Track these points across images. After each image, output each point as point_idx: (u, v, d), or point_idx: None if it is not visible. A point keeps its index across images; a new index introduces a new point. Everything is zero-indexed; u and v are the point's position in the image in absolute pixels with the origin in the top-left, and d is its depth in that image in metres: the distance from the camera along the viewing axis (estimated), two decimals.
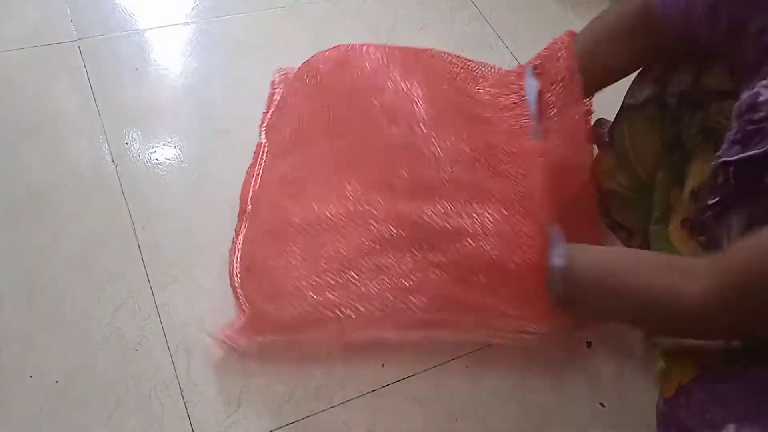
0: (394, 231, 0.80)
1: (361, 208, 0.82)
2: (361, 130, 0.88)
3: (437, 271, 0.76)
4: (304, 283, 0.76)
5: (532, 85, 0.88)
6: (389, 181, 0.83)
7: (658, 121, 0.80)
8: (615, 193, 0.89)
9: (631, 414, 0.80)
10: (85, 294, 0.81)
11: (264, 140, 0.94)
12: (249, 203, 0.88)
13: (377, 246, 0.79)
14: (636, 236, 0.91)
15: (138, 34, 1.09)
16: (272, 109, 0.98)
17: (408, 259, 0.78)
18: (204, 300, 0.82)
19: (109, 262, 0.84)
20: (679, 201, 0.76)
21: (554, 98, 0.86)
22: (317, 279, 0.77)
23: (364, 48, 0.93)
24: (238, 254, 0.84)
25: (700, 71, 0.75)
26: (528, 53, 1.16)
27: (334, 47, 0.95)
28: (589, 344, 0.83)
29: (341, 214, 0.81)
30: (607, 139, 0.88)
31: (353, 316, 0.76)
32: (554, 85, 0.86)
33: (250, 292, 0.79)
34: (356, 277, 0.77)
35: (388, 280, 0.77)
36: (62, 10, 1.09)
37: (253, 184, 0.90)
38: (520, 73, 0.90)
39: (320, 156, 0.88)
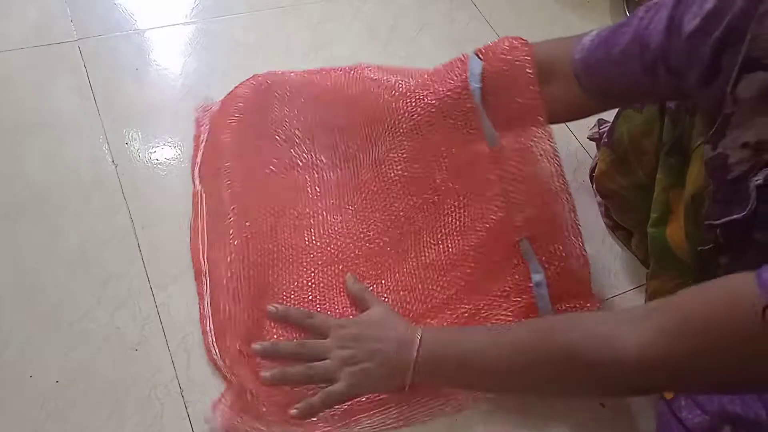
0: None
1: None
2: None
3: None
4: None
5: (476, 66, 0.81)
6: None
7: (657, 123, 0.80)
8: (614, 193, 0.89)
9: (631, 414, 0.80)
10: (85, 294, 0.81)
11: (199, 187, 0.91)
12: (204, 262, 0.84)
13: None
14: (635, 237, 0.91)
15: (138, 34, 1.09)
16: (201, 151, 0.94)
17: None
18: None
19: (109, 262, 0.83)
20: (678, 203, 0.76)
21: (503, 80, 0.81)
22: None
23: (284, 75, 0.96)
24: (209, 323, 0.79)
25: None
26: None
27: (251, 77, 0.97)
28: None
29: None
30: (606, 140, 0.88)
31: None
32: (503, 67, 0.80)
33: (245, 379, 0.74)
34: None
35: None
36: (62, 10, 1.09)
37: (201, 240, 0.86)
38: (463, 60, 0.85)
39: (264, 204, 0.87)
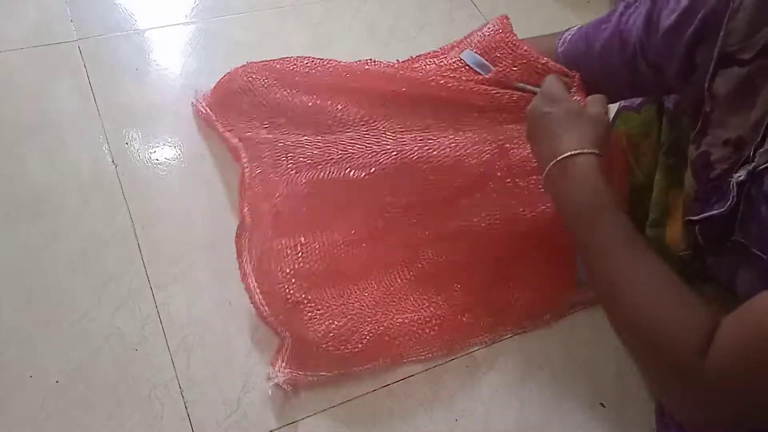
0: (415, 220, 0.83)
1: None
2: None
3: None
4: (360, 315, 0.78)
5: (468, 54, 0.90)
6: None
7: (655, 125, 0.80)
8: None
9: (631, 414, 0.80)
10: (85, 294, 0.81)
11: (237, 141, 0.92)
12: (248, 215, 0.85)
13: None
14: None
15: (138, 34, 1.09)
16: (219, 122, 0.96)
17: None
18: (204, 300, 0.82)
19: (109, 262, 0.83)
20: (677, 204, 0.76)
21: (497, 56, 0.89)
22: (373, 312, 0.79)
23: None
24: (252, 281, 0.80)
25: None
26: None
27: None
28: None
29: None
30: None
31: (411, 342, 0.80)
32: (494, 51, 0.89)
33: (295, 326, 0.77)
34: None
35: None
36: (62, 10, 1.09)
37: (248, 192, 0.87)
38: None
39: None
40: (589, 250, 0.66)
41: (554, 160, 0.68)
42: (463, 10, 1.24)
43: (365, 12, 1.20)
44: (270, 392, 0.75)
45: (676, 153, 0.77)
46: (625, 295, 0.60)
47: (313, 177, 0.84)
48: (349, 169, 0.84)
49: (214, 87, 0.99)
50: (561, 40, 0.75)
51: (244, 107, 0.94)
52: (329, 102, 0.91)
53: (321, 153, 0.86)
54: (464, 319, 0.83)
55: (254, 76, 0.94)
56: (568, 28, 0.76)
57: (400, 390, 0.79)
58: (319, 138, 0.88)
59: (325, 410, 0.76)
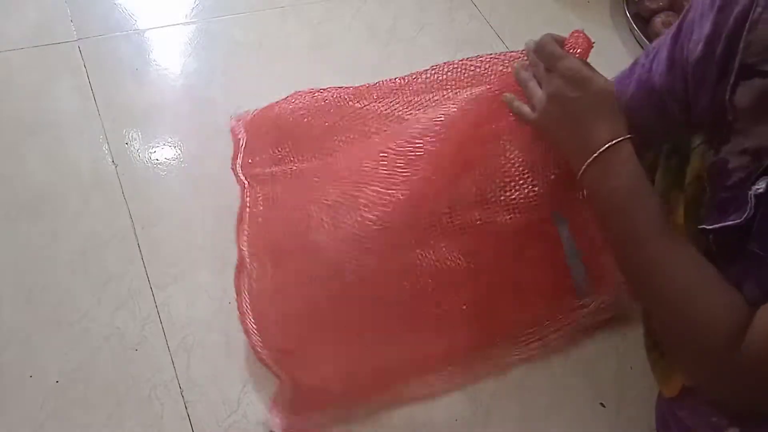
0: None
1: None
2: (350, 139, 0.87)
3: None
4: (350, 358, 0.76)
5: None
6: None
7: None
8: None
9: (631, 414, 0.80)
10: (85, 294, 0.81)
11: (244, 180, 0.91)
12: (247, 253, 0.84)
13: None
14: None
15: (138, 34, 1.09)
16: (241, 153, 0.94)
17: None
18: (204, 300, 0.82)
19: (109, 262, 0.83)
20: (678, 205, 0.76)
21: None
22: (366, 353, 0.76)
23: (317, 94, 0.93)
24: (251, 322, 0.78)
25: None
26: None
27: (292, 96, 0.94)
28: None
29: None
30: None
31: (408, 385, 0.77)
32: None
33: (292, 371, 0.75)
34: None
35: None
36: (62, 10, 1.09)
37: (247, 230, 0.86)
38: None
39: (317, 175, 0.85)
40: (626, 236, 0.66)
41: (592, 156, 0.67)
42: (463, 10, 1.24)
43: (365, 12, 1.20)
44: None
45: (678, 154, 0.77)
46: (665, 281, 0.62)
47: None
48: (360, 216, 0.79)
49: (258, 114, 0.97)
50: None
51: (272, 140, 0.93)
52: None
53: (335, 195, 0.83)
54: (466, 355, 0.80)
55: (298, 113, 0.92)
56: None
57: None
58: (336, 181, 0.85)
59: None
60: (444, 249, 0.81)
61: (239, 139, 0.95)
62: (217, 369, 0.77)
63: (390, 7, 1.21)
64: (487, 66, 0.84)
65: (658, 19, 1.21)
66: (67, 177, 0.90)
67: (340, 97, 0.91)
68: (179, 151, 0.96)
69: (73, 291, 0.81)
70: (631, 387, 0.82)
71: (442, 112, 0.79)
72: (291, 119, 0.92)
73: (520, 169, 0.79)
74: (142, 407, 0.74)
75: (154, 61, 1.06)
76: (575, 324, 0.83)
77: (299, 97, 0.93)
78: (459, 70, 0.86)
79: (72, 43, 1.05)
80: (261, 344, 0.77)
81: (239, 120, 0.97)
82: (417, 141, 0.77)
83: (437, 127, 0.77)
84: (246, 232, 0.86)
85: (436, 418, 0.77)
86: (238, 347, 0.79)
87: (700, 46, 0.63)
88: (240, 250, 0.84)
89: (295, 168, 0.90)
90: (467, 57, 0.86)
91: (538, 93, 0.72)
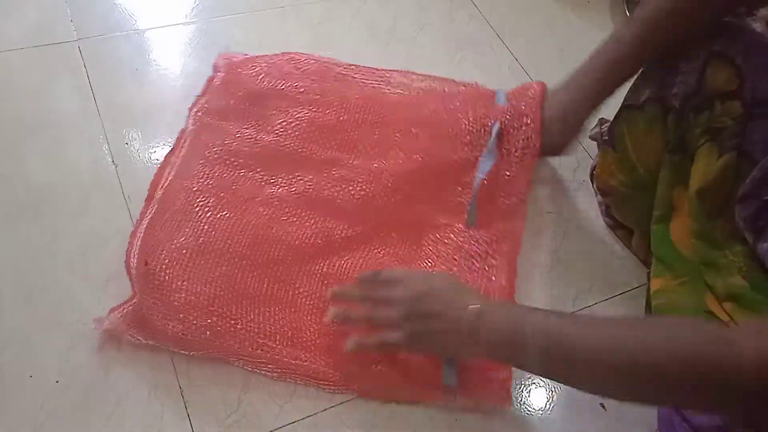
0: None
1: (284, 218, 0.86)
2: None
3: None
4: (192, 313, 0.76)
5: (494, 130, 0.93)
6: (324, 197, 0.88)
7: (659, 121, 0.80)
8: (615, 189, 0.89)
9: (631, 414, 0.80)
10: (85, 294, 0.81)
11: (191, 126, 0.94)
12: (160, 189, 0.87)
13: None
14: (636, 235, 0.91)
15: (138, 34, 1.09)
16: (206, 95, 0.99)
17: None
18: None
19: (109, 262, 0.83)
20: (682, 200, 0.76)
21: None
22: (207, 312, 0.76)
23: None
24: (138, 240, 0.81)
25: (703, 72, 0.75)
26: (527, 53, 1.17)
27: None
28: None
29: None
30: (607, 139, 0.88)
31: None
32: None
33: (144, 289, 0.77)
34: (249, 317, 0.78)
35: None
36: (62, 10, 1.09)
37: (167, 173, 0.89)
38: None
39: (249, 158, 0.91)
40: (570, 366, 0.62)
41: (477, 347, 0.68)
42: (463, 10, 1.24)
43: (365, 12, 1.20)
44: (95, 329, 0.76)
45: (682, 150, 0.77)
46: (643, 365, 0.57)
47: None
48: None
49: (236, 63, 1.02)
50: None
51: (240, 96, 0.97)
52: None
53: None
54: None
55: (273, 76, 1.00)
56: None
57: None
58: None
59: (325, 410, 0.76)
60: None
61: (214, 78, 1.01)
62: (217, 369, 0.77)
63: (390, 7, 1.21)
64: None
65: None
66: (67, 177, 0.91)
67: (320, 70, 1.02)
68: None
69: (73, 291, 0.81)
70: None
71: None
72: (266, 82, 0.98)
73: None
74: (142, 407, 0.74)
75: (154, 61, 1.06)
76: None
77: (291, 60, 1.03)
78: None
79: (72, 43, 1.05)
80: (136, 257, 0.80)
81: (227, 59, 1.03)
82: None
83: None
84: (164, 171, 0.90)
85: (436, 418, 0.77)
86: None
87: None
88: (153, 187, 0.88)
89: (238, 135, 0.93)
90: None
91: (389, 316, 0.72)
